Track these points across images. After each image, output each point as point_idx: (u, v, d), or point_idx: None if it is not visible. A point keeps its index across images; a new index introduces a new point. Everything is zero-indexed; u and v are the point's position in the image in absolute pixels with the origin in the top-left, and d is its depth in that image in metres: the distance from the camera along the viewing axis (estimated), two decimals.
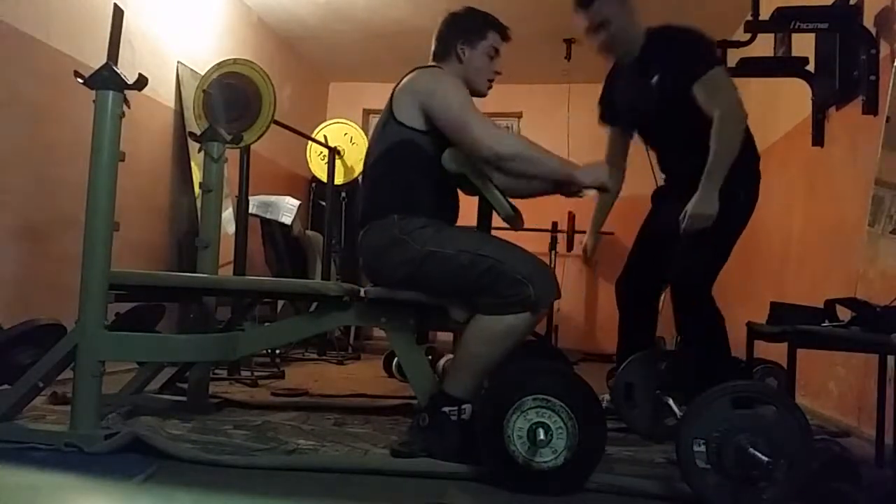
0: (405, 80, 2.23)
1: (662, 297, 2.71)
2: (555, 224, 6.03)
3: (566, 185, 2.16)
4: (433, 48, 2.32)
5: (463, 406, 2.02)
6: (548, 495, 1.76)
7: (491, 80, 2.30)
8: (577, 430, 1.76)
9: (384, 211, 2.16)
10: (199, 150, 2.78)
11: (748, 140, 2.38)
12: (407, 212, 2.14)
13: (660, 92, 2.40)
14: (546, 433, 1.74)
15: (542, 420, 1.76)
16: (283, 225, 4.88)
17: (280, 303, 4.52)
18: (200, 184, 2.84)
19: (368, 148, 2.34)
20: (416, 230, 2.11)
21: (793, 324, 2.08)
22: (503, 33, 2.29)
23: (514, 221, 2.24)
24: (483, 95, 2.29)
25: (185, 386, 2.69)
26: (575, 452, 1.76)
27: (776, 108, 4.10)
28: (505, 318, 2.00)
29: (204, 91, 3.58)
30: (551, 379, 1.82)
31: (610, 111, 2.69)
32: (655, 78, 2.41)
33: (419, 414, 2.05)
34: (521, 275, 1.99)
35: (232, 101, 3.55)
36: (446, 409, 2.01)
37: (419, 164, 2.16)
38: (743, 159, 2.29)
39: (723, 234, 2.33)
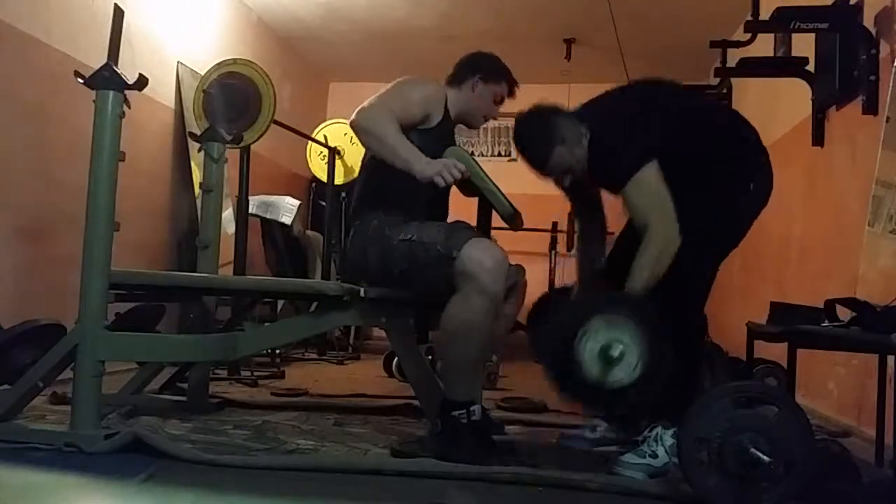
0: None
1: None
2: (555, 224, 6.03)
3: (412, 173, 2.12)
4: (452, 71, 2.43)
5: (471, 407, 2.04)
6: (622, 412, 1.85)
7: (486, 120, 2.47)
8: (646, 344, 1.80)
9: (370, 210, 2.25)
10: (199, 150, 2.79)
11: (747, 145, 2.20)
12: (388, 211, 2.22)
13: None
14: (617, 351, 1.78)
15: (612, 338, 1.79)
16: (283, 225, 4.88)
17: (280, 303, 4.52)
18: (200, 184, 2.84)
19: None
20: (394, 225, 2.18)
21: (793, 324, 2.08)
22: (512, 89, 2.45)
23: (514, 221, 2.25)
24: (475, 128, 2.49)
25: (185, 386, 2.69)
26: (647, 366, 1.79)
27: (776, 108, 4.10)
28: (454, 309, 2.01)
29: (204, 91, 3.58)
30: (615, 301, 1.86)
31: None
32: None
33: (433, 422, 2.08)
34: (437, 243, 2.06)
35: (232, 101, 3.54)
36: (455, 413, 2.03)
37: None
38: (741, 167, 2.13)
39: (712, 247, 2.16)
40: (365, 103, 2.14)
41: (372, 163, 2.28)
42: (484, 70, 2.40)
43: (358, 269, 2.29)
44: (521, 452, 2.13)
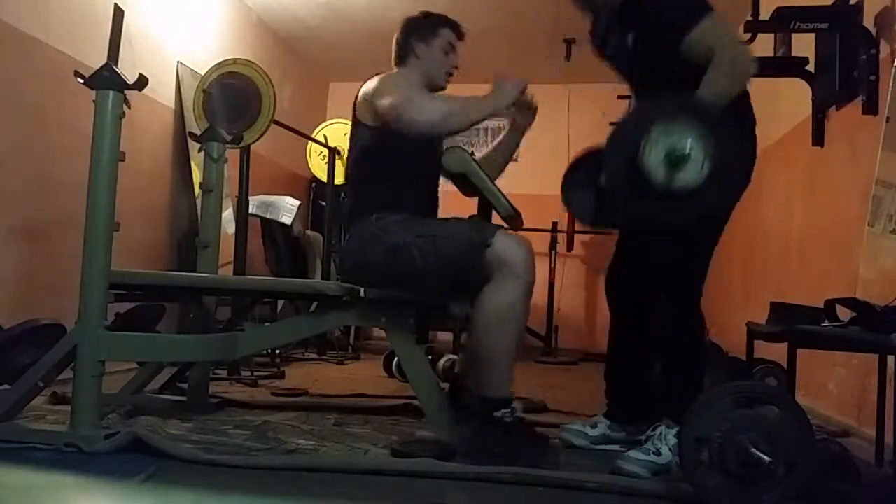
0: (364, 85, 2.33)
1: None
2: (555, 224, 6.03)
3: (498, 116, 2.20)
4: (394, 53, 2.43)
5: (512, 405, 2.02)
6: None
7: (450, 74, 2.41)
8: (710, 141, 1.77)
9: (363, 213, 2.25)
10: (199, 150, 2.79)
11: (747, 114, 2.13)
12: (384, 210, 2.21)
13: (638, 54, 2.15)
14: (684, 150, 1.75)
15: (676, 141, 1.77)
16: (283, 225, 4.88)
17: (280, 303, 4.52)
18: (200, 184, 2.83)
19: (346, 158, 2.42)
20: (389, 225, 2.18)
21: (793, 324, 2.08)
22: (456, 30, 2.40)
23: (514, 221, 2.25)
24: (442, 89, 2.40)
25: (185, 386, 2.69)
26: (714, 162, 1.76)
27: (776, 108, 4.10)
28: (489, 299, 2.01)
29: (204, 91, 3.58)
30: (675, 111, 1.83)
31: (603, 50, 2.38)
32: (631, 37, 2.15)
33: (471, 421, 2.03)
34: (464, 235, 2.06)
35: (232, 101, 3.54)
36: (498, 412, 2.00)
37: (388, 161, 2.23)
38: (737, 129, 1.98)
39: (705, 221, 2.05)
40: (405, 116, 2.10)
41: (362, 163, 2.29)
42: (416, 32, 2.38)
43: (358, 271, 2.27)
44: (556, 447, 2.11)
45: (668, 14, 2.06)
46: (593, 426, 2.33)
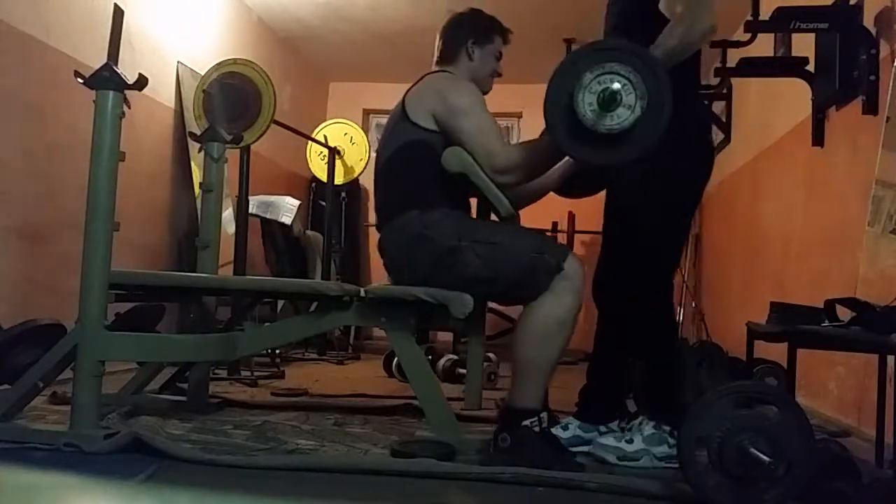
0: (419, 85, 2.28)
1: None
2: (555, 224, 6.03)
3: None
4: (440, 49, 2.36)
5: (541, 415, 2.00)
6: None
7: (494, 77, 2.38)
8: (645, 83, 1.75)
9: (403, 208, 2.20)
10: (199, 150, 2.78)
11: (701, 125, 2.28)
12: (425, 206, 2.17)
13: (622, 4, 2.27)
14: (611, 89, 1.74)
15: (607, 82, 1.75)
16: (283, 225, 4.88)
17: (280, 303, 4.52)
18: (200, 184, 2.83)
19: (379, 150, 2.36)
20: (437, 222, 2.14)
21: (793, 324, 2.08)
22: (506, 37, 2.38)
23: (513, 220, 2.25)
24: (487, 93, 2.35)
25: (185, 386, 2.69)
26: (649, 103, 1.75)
27: (776, 108, 4.10)
28: (545, 307, 1.99)
29: (204, 91, 3.58)
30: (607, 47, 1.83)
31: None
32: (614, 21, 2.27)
33: (499, 435, 2.00)
34: (532, 250, 2.03)
35: (232, 101, 3.54)
36: (527, 422, 1.98)
37: (434, 161, 2.17)
38: (684, 115, 1.96)
39: (667, 210, 2.17)
40: (492, 151, 2.11)
41: (403, 158, 2.23)
42: (472, 34, 2.32)
43: (403, 270, 2.22)
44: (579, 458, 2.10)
45: None
46: (564, 428, 2.30)
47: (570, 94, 1.77)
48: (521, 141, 2.23)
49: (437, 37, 2.37)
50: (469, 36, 2.32)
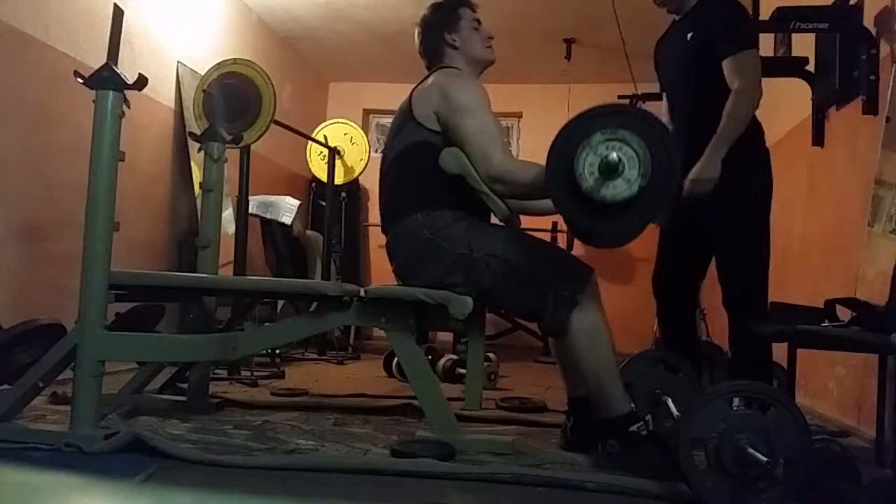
0: (426, 81, 2.27)
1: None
2: (555, 224, 6.03)
3: None
4: (426, 58, 2.37)
5: (645, 417, 2.01)
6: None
7: (489, 46, 2.36)
8: (649, 156, 1.71)
9: (408, 210, 2.19)
10: (199, 150, 2.79)
11: (758, 132, 2.47)
12: (430, 208, 2.16)
13: (691, 50, 2.46)
14: (614, 158, 1.70)
15: (612, 150, 1.72)
16: (283, 225, 4.88)
17: (280, 303, 4.53)
18: (200, 184, 2.84)
19: (386, 149, 2.36)
20: (444, 228, 2.13)
21: (793, 324, 2.08)
22: (470, 4, 2.36)
23: (511, 222, 2.24)
24: (492, 61, 2.37)
25: (185, 386, 2.69)
26: (650, 179, 1.71)
27: (776, 108, 4.09)
28: (575, 324, 2.01)
29: (204, 91, 3.58)
30: (619, 112, 1.80)
31: (661, 77, 2.74)
32: (690, 35, 2.47)
33: (607, 443, 2.00)
34: (548, 282, 2.03)
35: (232, 101, 3.54)
36: (633, 427, 1.98)
37: (436, 160, 2.16)
38: (752, 151, 2.40)
39: (754, 237, 2.44)
40: (489, 155, 2.08)
41: (409, 158, 2.22)
42: (440, 26, 2.32)
43: (403, 276, 2.24)
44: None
45: (723, 30, 2.37)
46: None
47: (574, 149, 1.74)
48: (527, 160, 2.19)
49: (418, 51, 2.37)
50: (440, 29, 2.31)
